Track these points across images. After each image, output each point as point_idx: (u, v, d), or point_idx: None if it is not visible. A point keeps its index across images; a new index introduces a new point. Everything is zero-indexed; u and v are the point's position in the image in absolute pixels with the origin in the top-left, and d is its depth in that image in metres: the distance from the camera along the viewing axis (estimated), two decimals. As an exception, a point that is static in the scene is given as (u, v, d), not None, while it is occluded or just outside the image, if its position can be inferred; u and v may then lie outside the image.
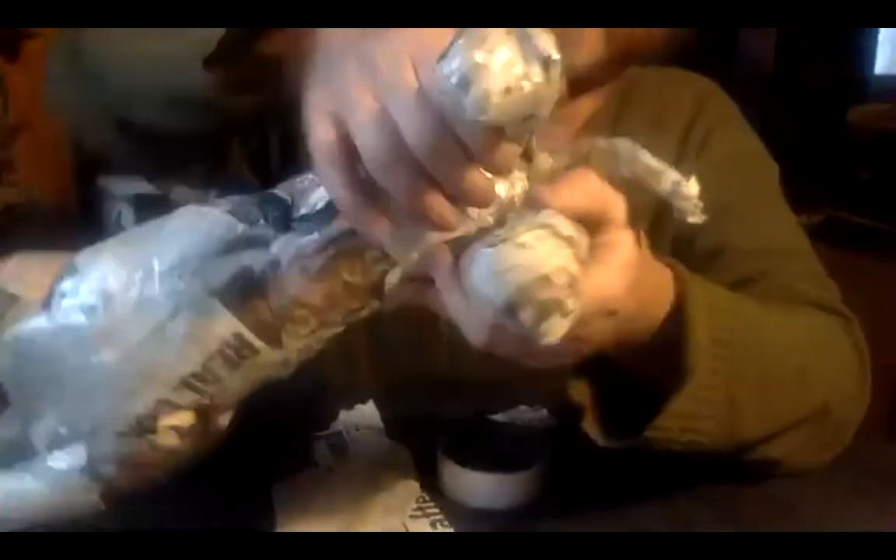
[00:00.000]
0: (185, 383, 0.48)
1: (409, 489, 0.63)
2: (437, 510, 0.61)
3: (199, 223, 0.48)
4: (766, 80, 2.38)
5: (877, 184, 2.12)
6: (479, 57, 0.37)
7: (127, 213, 2.72)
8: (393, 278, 0.47)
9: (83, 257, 0.49)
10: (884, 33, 2.24)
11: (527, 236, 0.42)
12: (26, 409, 0.50)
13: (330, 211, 0.46)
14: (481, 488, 0.62)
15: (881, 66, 2.28)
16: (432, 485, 0.64)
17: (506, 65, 0.38)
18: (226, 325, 0.47)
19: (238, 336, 0.47)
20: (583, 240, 0.45)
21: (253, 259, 0.46)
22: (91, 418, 0.49)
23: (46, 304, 0.48)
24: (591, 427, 0.57)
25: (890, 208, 1.99)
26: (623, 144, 0.49)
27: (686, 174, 0.49)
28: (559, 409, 0.75)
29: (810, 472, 0.66)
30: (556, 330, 0.43)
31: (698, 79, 0.88)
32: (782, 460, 0.64)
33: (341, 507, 0.61)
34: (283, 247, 0.46)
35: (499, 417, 0.73)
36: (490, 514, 0.61)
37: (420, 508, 0.61)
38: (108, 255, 0.49)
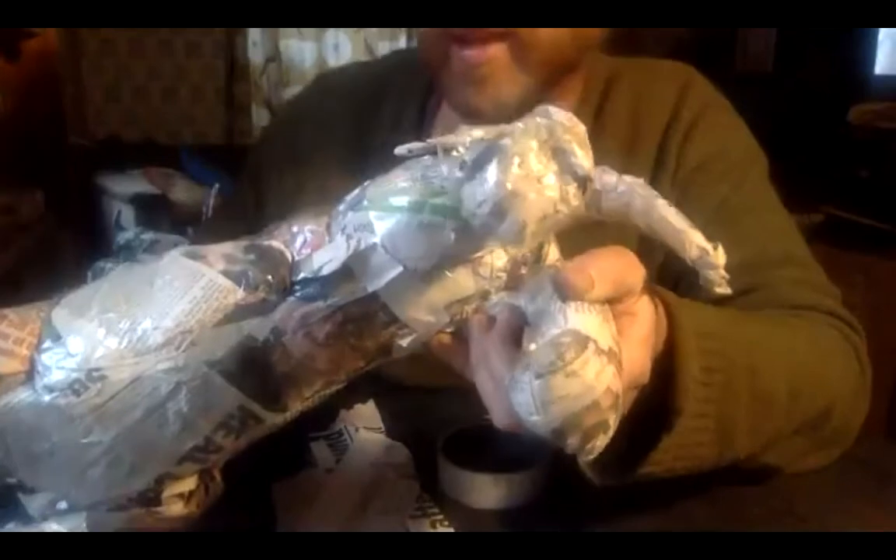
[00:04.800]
0: (188, 457, 0.46)
1: (409, 489, 0.63)
2: (436, 510, 0.61)
3: (193, 286, 0.44)
4: (766, 80, 2.38)
5: (877, 183, 2.12)
6: (514, 185, 0.35)
7: (127, 213, 2.72)
8: (403, 342, 0.45)
9: (62, 317, 0.46)
10: (883, 33, 2.24)
11: (575, 364, 0.39)
12: (17, 478, 0.47)
13: (337, 278, 0.43)
14: (481, 488, 0.62)
15: (881, 66, 2.28)
16: (432, 485, 0.64)
17: (543, 191, 0.35)
18: (230, 399, 0.45)
19: (242, 408, 0.45)
20: (613, 329, 0.43)
21: (255, 328, 0.44)
22: (89, 494, 0.47)
23: (30, 377, 0.45)
24: (586, 467, 0.55)
25: (890, 208, 1.99)
26: (638, 189, 0.44)
27: (702, 231, 0.45)
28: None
29: (813, 470, 0.66)
30: (599, 446, 0.41)
31: (679, 68, 0.83)
32: (782, 466, 0.64)
33: (341, 507, 0.61)
34: (287, 313, 0.44)
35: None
36: (490, 514, 0.61)
37: (420, 508, 0.61)
38: (92, 323, 0.45)
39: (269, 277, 0.44)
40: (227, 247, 0.47)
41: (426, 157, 0.43)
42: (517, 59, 0.68)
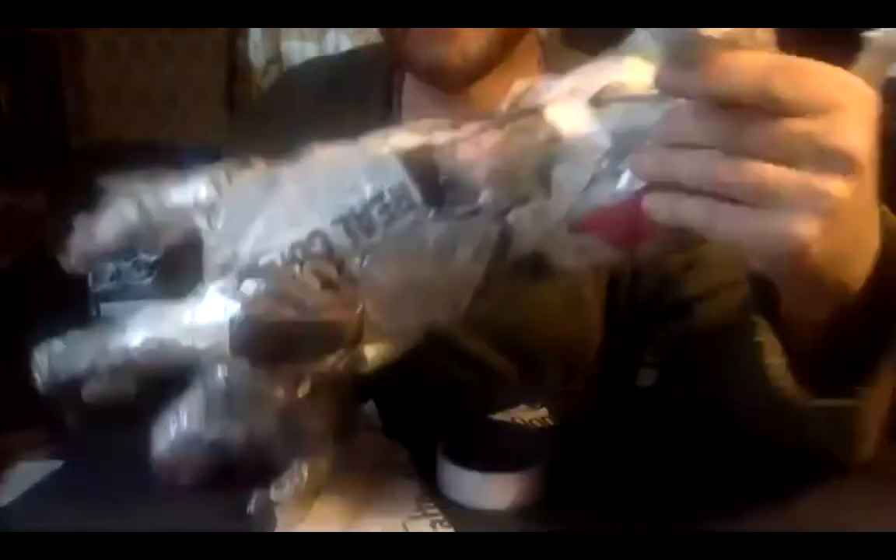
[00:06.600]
0: (342, 219, 0.51)
1: (409, 489, 0.63)
2: (436, 510, 0.61)
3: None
4: (766, 80, 2.37)
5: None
6: None
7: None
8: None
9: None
10: (884, 33, 2.25)
11: None
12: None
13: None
14: (481, 488, 0.62)
15: (881, 66, 2.28)
16: (432, 485, 0.64)
17: None
18: (394, 172, 0.50)
19: (403, 186, 0.50)
20: None
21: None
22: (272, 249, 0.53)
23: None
24: (792, 386, 0.55)
25: (892, 210, 1.99)
26: None
27: None
28: (561, 406, 0.75)
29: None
30: None
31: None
32: None
33: (341, 507, 0.61)
34: (469, 126, 0.51)
35: (499, 417, 0.73)
36: (490, 514, 0.61)
37: (420, 508, 0.61)
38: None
39: None
40: None
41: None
42: None
